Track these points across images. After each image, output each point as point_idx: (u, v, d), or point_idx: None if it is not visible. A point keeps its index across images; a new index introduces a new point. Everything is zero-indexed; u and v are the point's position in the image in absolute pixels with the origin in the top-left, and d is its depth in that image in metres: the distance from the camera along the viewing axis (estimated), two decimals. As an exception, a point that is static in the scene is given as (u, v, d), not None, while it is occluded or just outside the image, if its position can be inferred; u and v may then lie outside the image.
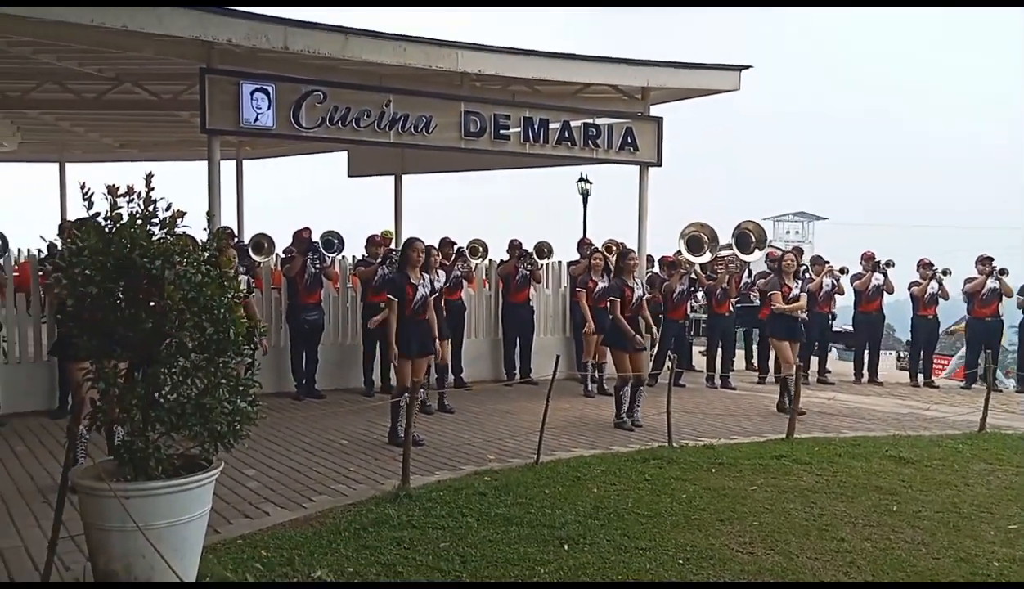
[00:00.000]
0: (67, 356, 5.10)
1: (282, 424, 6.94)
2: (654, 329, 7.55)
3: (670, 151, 10.49)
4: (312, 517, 4.60)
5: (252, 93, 8.06)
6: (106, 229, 3.35)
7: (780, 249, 11.94)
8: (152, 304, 3.34)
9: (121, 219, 3.37)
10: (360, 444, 6.46)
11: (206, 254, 3.51)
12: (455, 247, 9.22)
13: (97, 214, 3.38)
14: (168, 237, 3.43)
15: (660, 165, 10.45)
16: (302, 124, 8.37)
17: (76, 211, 6.07)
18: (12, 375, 7.26)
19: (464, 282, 9.27)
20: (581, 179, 20.81)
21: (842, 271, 10.69)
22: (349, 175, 13.74)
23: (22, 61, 9.19)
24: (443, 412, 7.82)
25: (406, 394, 5.86)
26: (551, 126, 9.69)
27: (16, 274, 7.73)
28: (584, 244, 10.51)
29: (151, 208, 3.42)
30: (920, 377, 10.73)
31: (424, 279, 6.59)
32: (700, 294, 10.54)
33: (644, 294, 7.74)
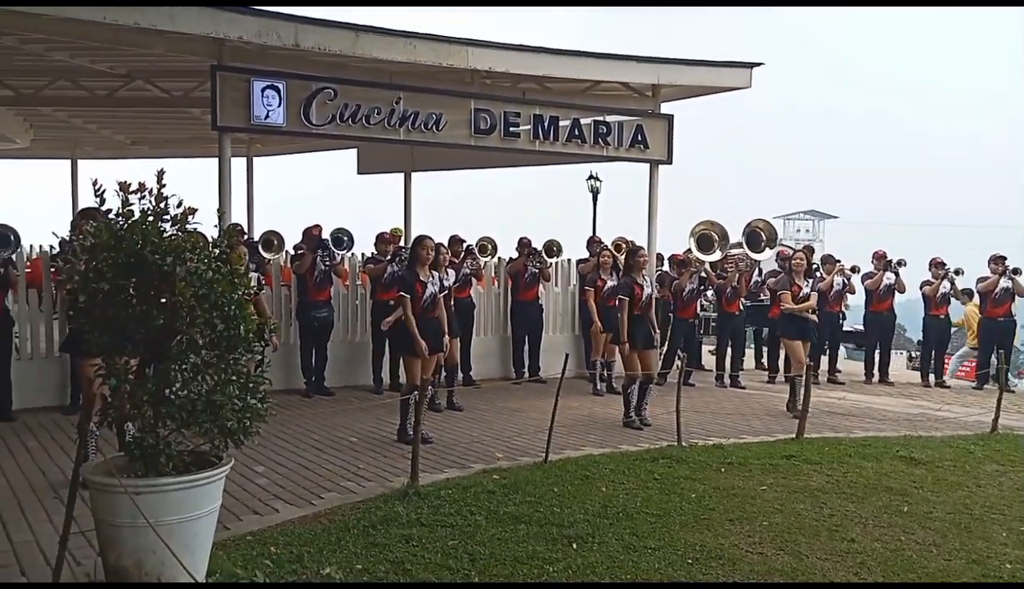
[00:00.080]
0: (79, 352, 5.12)
1: (291, 421, 6.97)
2: (656, 333, 7.54)
3: (680, 149, 10.47)
4: (321, 514, 4.62)
5: (263, 90, 8.08)
6: (118, 226, 3.37)
7: (791, 248, 11.89)
8: (163, 301, 3.35)
9: (133, 216, 3.39)
10: (369, 441, 6.47)
11: (217, 251, 3.52)
12: (464, 245, 9.23)
13: (103, 203, 3.39)
14: (179, 234, 3.44)
15: (670, 163, 10.41)
16: (312, 121, 8.38)
17: (82, 208, 6.08)
18: (24, 371, 7.31)
19: (473, 280, 9.28)
20: (591, 177, 20.79)
21: (853, 270, 10.63)
22: (359, 172, 13.75)
23: (35, 58, 9.24)
24: (452, 410, 7.82)
25: (415, 392, 5.88)
26: (561, 123, 9.67)
27: (28, 270, 7.77)
28: (593, 242, 10.49)
29: (163, 205, 3.43)
30: (931, 377, 10.66)
31: (433, 277, 6.59)
32: (710, 293, 10.50)
33: (654, 293, 7.72)
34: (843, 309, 10.86)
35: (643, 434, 6.99)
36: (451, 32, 11.81)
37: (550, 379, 8.73)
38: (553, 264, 10.39)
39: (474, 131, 9.22)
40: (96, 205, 3.42)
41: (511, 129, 9.39)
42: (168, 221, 3.44)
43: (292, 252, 9.29)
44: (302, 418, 7.19)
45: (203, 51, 8.10)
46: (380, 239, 8.98)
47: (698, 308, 10.26)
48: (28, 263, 8.14)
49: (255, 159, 14.93)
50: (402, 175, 13.34)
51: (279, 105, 8.16)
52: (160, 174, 3.45)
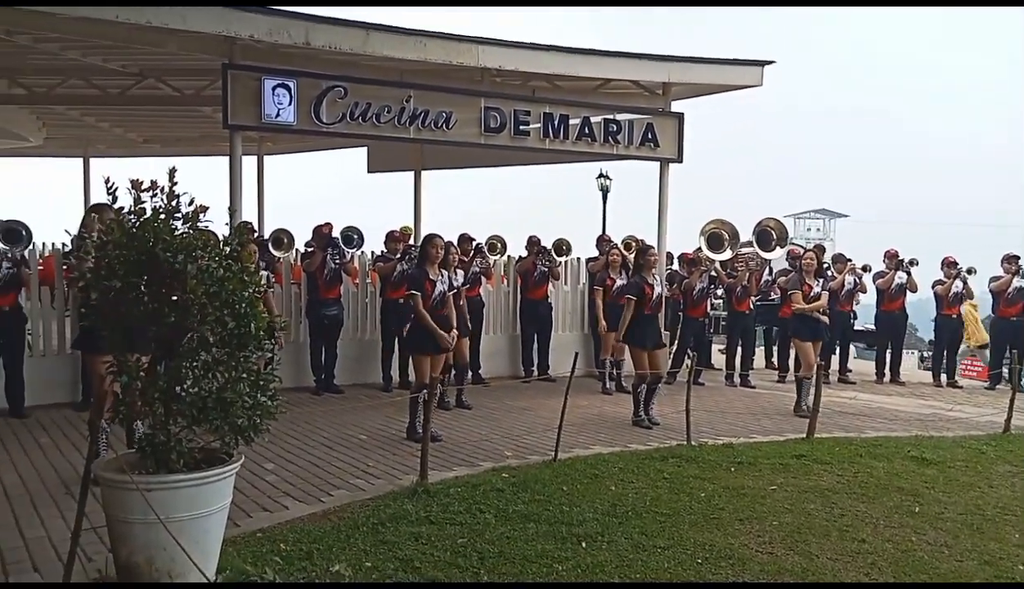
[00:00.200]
0: (90, 349, 5.15)
1: (301, 419, 6.99)
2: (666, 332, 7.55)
3: (691, 147, 10.44)
4: (330, 511, 4.63)
5: (274, 89, 8.10)
6: (130, 223, 3.38)
7: (801, 246, 11.83)
8: (175, 298, 3.36)
9: (145, 213, 3.40)
10: (378, 439, 6.48)
11: (228, 249, 3.53)
12: (474, 243, 9.23)
13: (116, 201, 3.41)
14: (191, 232, 3.45)
15: (681, 161, 10.38)
16: (323, 120, 8.40)
17: (93, 204, 6.12)
18: (37, 368, 7.37)
19: (482, 278, 9.28)
20: (601, 175, 20.77)
21: (864, 269, 10.57)
22: (369, 171, 13.78)
23: (49, 57, 9.30)
24: (461, 408, 7.82)
25: (424, 390, 5.88)
26: (571, 122, 9.66)
27: (41, 268, 7.82)
28: (603, 241, 10.47)
29: (174, 203, 3.45)
30: (943, 377, 10.59)
31: (443, 275, 6.60)
32: (720, 292, 10.47)
33: (664, 292, 7.70)
34: (854, 308, 10.81)
35: (653, 433, 6.98)
36: (461, 31, 11.81)
37: (559, 378, 8.73)
38: (562, 263, 10.38)
39: (484, 129, 9.22)
40: (108, 203, 3.44)
41: (521, 127, 9.39)
42: (180, 219, 3.45)
43: (303, 250, 9.31)
44: (312, 416, 7.21)
45: (214, 50, 8.14)
46: (390, 237, 9.00)
47: (708, 307, 10.23)
48: (40, 261, 8.20)
49: (265, 157, 14.99)
50: (412, 174, 13.36)
51: (290, 103, 8.19)
52: (172, 172, 3.46)
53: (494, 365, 9.71)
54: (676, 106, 10.55)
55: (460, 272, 7.23)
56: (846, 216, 72.45)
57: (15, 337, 7.05)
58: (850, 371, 10.74)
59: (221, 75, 8.06)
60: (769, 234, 9.37)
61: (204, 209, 3.53)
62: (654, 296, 7.37)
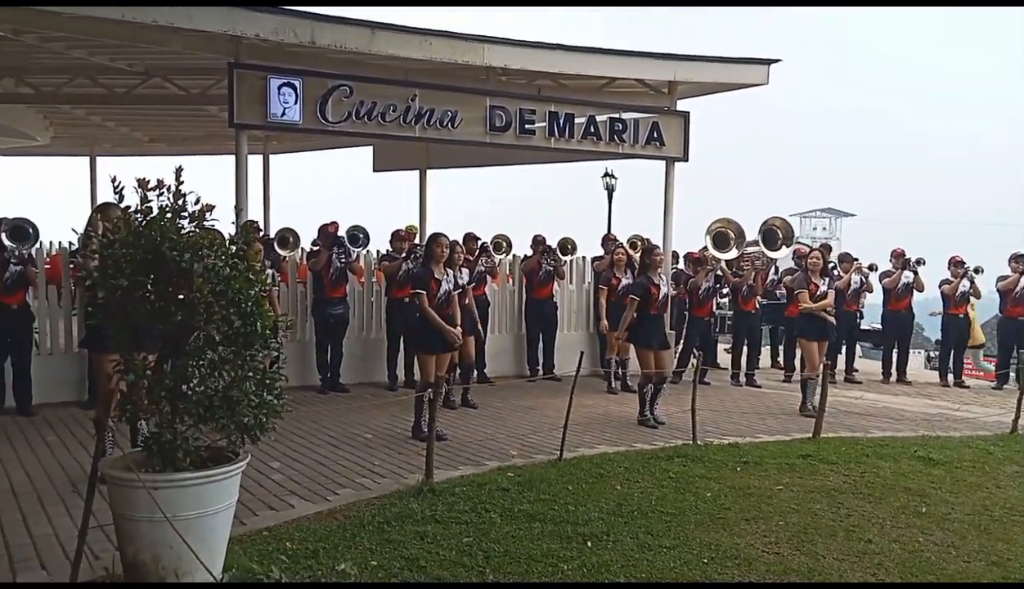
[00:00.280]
0: (97, 348, 5.17)
1: (307, 417, 6.99)
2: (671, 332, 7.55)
3: (696, 146, 10.40)
4: (336, 510, 4.63)
5: (279, 88, 8.11)
6: (136, 222, 3.39)
7: (808, 246, 11.79)
8: (181, 297, 3.37)
9: (151, 212, 3.41)
10: (384, 438, 6.49)
11: (234, 248, 3.54)
12: (479, 242, 9.23)
13: (122, 200, 3.42)
14: (197, 231, 3.46)
15: (686, 160, 10.36)
16: (328, 118, 8.40)
17: (100, 203, 6.13)
18: (44, 366, 7.39)
19: (488, 277, 9.28)
20: (606, 174, 20.74)
21: (871, 268, 10.54)
22: (374, 170, 13.79)
23: (55, 56, 9.32)
24: (466, 407, 7.83)
25: (429, 389, 5.88)
26: (576, 121, 9.64)
27: (48, 266, 7.85)
28: (608, 240, 10.46)
29: (180, 202, 3.45)
30: (950, 377, 10.56)
31: (448, 274, 6.60)
32: (726, 291, 10.45)
33: (670, 291, 7.68)
34: (860, 308, 10.78)
35: (658, 433, 6.97)
36: (466, 30, 11.78)
37: (565, 377, 8.72)
38: (568, 262, 10.37)
39: (489, 128, 9.20)
40: (115, 201, 3.45)
41: (526, 126, 9.38)
42: (186, 218, 3.46)
43: (308, 249, 9.32)
44: (317, 414, 7.22)
45: (220, 49, 8.15)
46: (395, 236, 9.00)
47: (714, 306, 10.22)
48: (48, 259, 8.22)
49: (271, 156, 15.01)
50: (417, 172, 13.36)
51: (295, 102, 8.19)
52: (178, 171, 3.47)
53: (499, 364, 9.71)
54: (683, 104, 10.53)
55: (465, 271, 7.23)
56: (852, 215, 72.29)
57: (23, 336, 7.08)
58: (856, 371, 10.72)
59: (227, 74, 8.06)
60: (775, 233, 9.35)
61: (210, 208, 3.53)
62: (660, 296, 7.36)
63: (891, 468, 5.85)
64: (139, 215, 3.40)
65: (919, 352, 13.89)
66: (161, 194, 3.44)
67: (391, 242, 9.03)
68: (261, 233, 9.86)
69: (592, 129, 9.72)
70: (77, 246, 6.56)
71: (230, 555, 3.58)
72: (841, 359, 10.54)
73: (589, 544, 4.14)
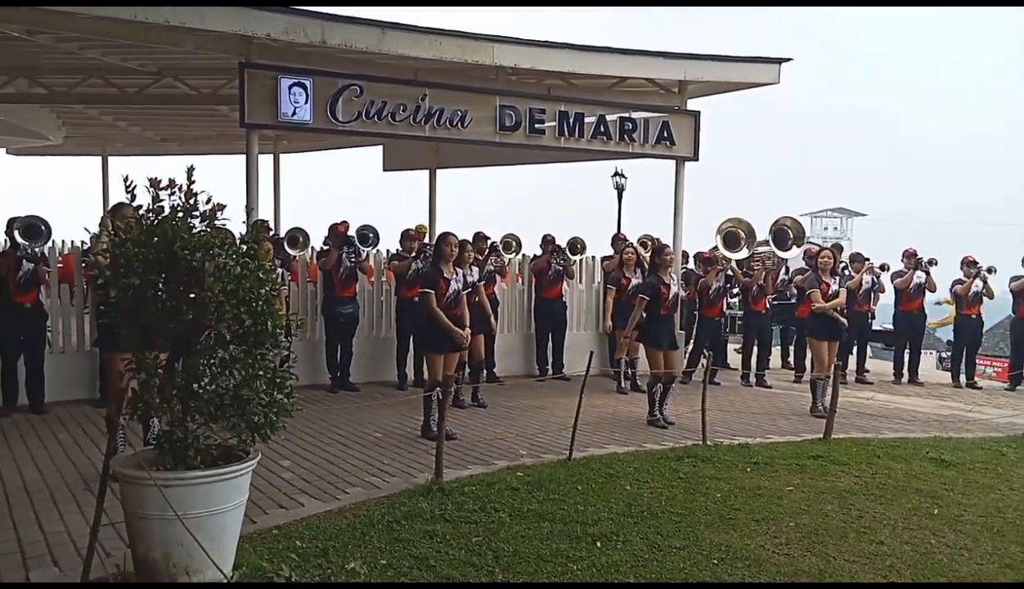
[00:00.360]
0: (109, 346, 5.20)
1: (317, 416, 7.01)
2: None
3: (707, 146, 10.37)
4: (346, 509, 4.64)
5: (290, 87, 8.13)
6: (148, 221, 3.41)
7: (818, 245, 11.74)
8: (192, 296, 3.38)
9: (163, 212, 3.42)
10: (393, 437, 6.50)
11: (244, 247, 3.55)
12: (488, 242, 9.23)
13: (134, 199, 3.43)
14: (208, 230, 3.47)
15: (697, 160, 10.33)
16: (339, 118, 8.42)
17: (114, 204, 6.16)
18: (56, 364, 7.44)
19: (497, 277, 9.28)
20: (616, 174, 20.72)
21: (882, 268, 10.49)
22: (384, 169, 13.81)
23: (68, 56, 9.39)
24: (476, 406, 7.83)
25: (438, 388, 5.89)
26: (586, 120, 9.63)
27: (60, 266, 7.90)
28: (618, 239, 10.44)
29: (192, 201, 3.46)
30: (962, 378, 10.49)
31: (457, 273, 6.60)
32: (736, 291, 10.42)
33: (680, 291, 7.67)
34: (872, 308, 10.72)
35: (668, 433, 6.95)
36: (476, 29, 11.72)
37: (574, 376, 8.72)
38: (577, 261, 10.36)
39: (499, 128, 9.21)
40: (127, 201, 3.47)
41: (536, 126, 9.37)
42: (197, 217, 3.47)
43: (319, 248, 9.34)
44: (327, 413, 7.24)
45: (231, 48, 8.18)
46: (405, 236, 9.01)
47: (724, 306, 10.19)
48: (60, 258, 8.27)
49: (281, 156, 15.06)
50: (427, 172, 13.38)
51: (306, 102, 8.21)
52: (190, 171, 3.48)
53: (508, 364, 9.71)
54: (693, 104, 10.50)
55: (475, 269, 7.23)
56: (864, 215, 71.83)
57: (36, 334, 7.13)
58: (867, 371, 10.66)
59: (238, 74, 8.09)
60: (786, 233, 9.32)
61: (221, 207, 3.54)
62: (670, 295, 7.34)
63: (903, 469, 5.81)
64: (151, 214, 3.42)
65: (931, 353, 13.81)
66: (173, 193, 3.45)
67: (401, 241, 9.05)
68: (271, 232, 9.90)
69: (602, 128, 9.71)
70: (89, 245, 6.61)
71: (240, 553, 3.59)
72: (852, 360, 10.49)
73: (599, 544, 4.13)
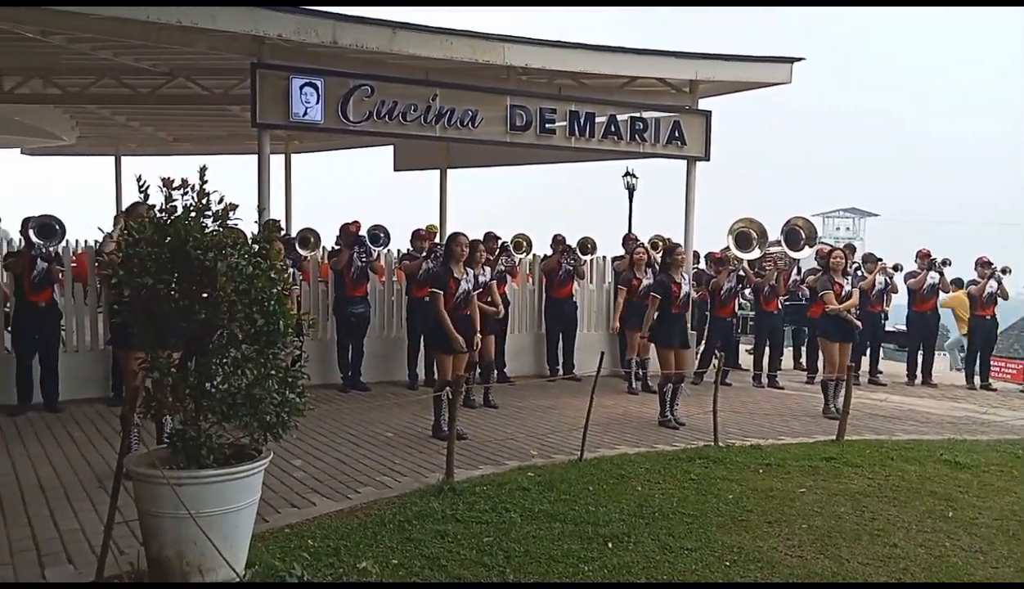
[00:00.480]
0: (123, 345, 5.23)
1: (328, 416, 7.03)
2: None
3: (718, 145, 10.34)
4: (357, 508, 4.65)
5: (301, 87, 8.16)
6: (161, 221, 3.42)
7: (830, 245, 11.68)
8: (205, 296, 3.39)
9: (176, 212, 3.44)
10: (405, 437, 6.50)
11: (256, 247, 3.56)
12: (499, 242, 9.22)
13: (147, 199, 3.45)
14: (220, 230, 3.48)
15: (708, 159, 10.30)
16: (350, 118, 8.44)
17: (129, 204, 6.21)
18: (71, 363, 7.49)
19: (508, 277, 9.27)
20: (627, 173, 20.67)
21: (895, 268, 10.42)
22: (395, 169, 13.84)
23: (82, 57, 9.46)
24: (487, 407, 7.82)
25: (447, 388, 5.88)
26: (597, 120, 9.61)
27: (74, 265, 7.95)
28: (629, 239, 10.42)
29: (204, 201, 3.48)
30: (976, 379, 10.40)
31: (468, 274, 6.59)
32: (748, 291, 10.38)
33: (691, 291, 7.64)
34: (885, 309, 10.65)
35: (679, 434, 6.93)
36: (487, 29, 11.72)
37: (584, 377, 8.70)
38: (587, 261, 10.34)
39: (510, 128, 9.21)
40: (141, 200, 3.49)
41: (547, 126, 9.36)
42: (210, 217, 3.48)
43: (330, 248, 9.37)
44: (339, 413, 7.25)
45: (243, 49, 8.22)
46: (416, 236, 9.03)
47: (736, 307, 10.14)
48: (74, 258, 8.33)
49: (293, 156, 15.11)
50: (438, 172, 13.39)
51: (317, 102, 8.24)
52: (203, 171, 3.49)
53: (519, 364, 9.70)
54: (704, 103, 10.46)
55: (488, 269, 7.22)
56: (876, 215, 71.42)
57: (50, 333, 7.18)
58: (881, 372, 10.59)
59: (250, 74, 8.13)
60: (798, 233, 9.27)
61: (233, 207, 3.55)
62: (681, 294, 7.31)
63: (917, 472, 5.77)
64: (164, 214, 3.44)
65: (944, 354, 13.71)
66: (185, 193, 3.47)
67: (411, 241, 9.06)
68: (282, 232, 9.92)
69: (613, 128, 9.69)
70: (101, 245, 6.65)
71: (253, 552, 3.60)
72: (865, 361, 10.43)
73: (610, 545, 4.12)
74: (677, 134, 9.99)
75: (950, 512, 4.88)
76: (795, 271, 10.59)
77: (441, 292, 6.40)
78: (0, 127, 11.92)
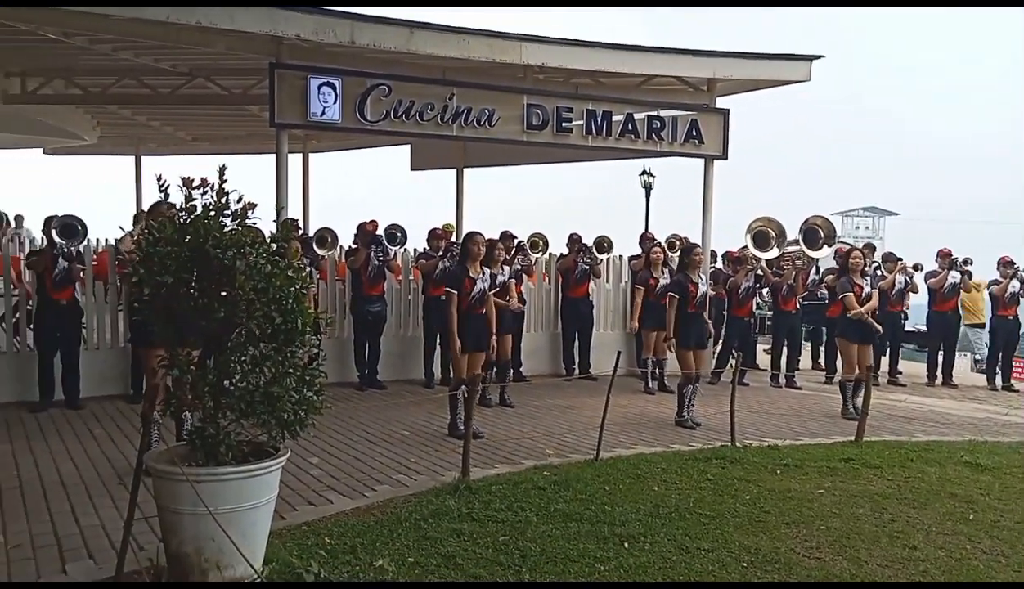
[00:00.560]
0: (144, 343, 5.28)
1: (345, 414, 7.06)
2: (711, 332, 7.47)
3: (735, 143, 10.28)
4: (374, 506, 4.67)
5: (319, 87, 8.19)
6: (181, 220, 3.45)
7: (849, 245, 11.57)
8: (224, 294, 3.42)
9: (195, 210, 3.47)
10: (421, 435, 6.52)
11: (274, 246, 3.58)
12: (515, 241, 9.22)
13: (167, 198, 3.48)
14: (239, 228, 3.51)
15: (726, 158, 10.24)
16: (367, 118, 8.47)
17: (151, 203, 6.27)
18: (91, 360, 7.58)
19: (524, 276, 9.27)
20: (644, 172, 20.61)
21: (915, 268, 10.31)
22: (412, 168, 13.88)
23: (103, 58, 9.55)
24: (503, 406, 7.83)
25: (462, 387, 5.89)
26: (614, 118, 9.58)
27: (95, 263, 8.04)
28: (646, 239, 10.38)
29: (223, 200, 3.50)
30: (998, 380, 10.27)
31: (484, 273, 6.59)
32: (766, 291, 10.31)
33: (708, 290, 7.61)
34: (904, 309, 10.54)
35: (696, 434, 6.90)
36: (504, 28, 11.72)
37: (601, 376, 8.68)
38: (604, 260, 10.32)
39: (526, 127, 9.19)
40: (162, 199, 3.53)
41: (564, 124, 9.34)
42: (229, 216, 3.51)
43: (347, 247, 9.41)
44: (355, 411, 7.29)
45: (261, 49, 8.26)
46: (432, 235, 9.05)
47: (753, 306, 10.08)
48: (95, 256, 8.42)
49: (310, 155, 15.18)
50: (454, 171, 13.41)
51: (335, 102, 8.27)
52: (222, 170, 3.52)
53: (535, 363, 9.70)
54: (722, 102, 10.40)
55: (506, 268, 7.22)
56: (896, 214, 70.66)
57: (72, 331, 7.27)
58: (900, 373, 10.48)
59: (268, 74, 8.17)
60: (816, 232, 9.19)
61: (252, 206, 3.58)
62: (698, 294, 7.28)
63: (937, 473, 5.71)
64: (183, 213, 3.47)
65: (965, 355, 13.53)
66: (205, 192, 3.50)
67: (428, 240, 9.08)
68: (300, 231, 9.98)
69: (630, 127, 9.66)
70: (119, 242, 6.72)
71: (270, 549, 3.63)
72: (885, 361, 10.32)
73: (626, 545, 4.11)
74: (695, 133, 9.94)
75: (971, 514, 4.83)
76: (814, 271, 10.52)
77: (455, 292, 6.40)
78: (23, 127, 12.07)
